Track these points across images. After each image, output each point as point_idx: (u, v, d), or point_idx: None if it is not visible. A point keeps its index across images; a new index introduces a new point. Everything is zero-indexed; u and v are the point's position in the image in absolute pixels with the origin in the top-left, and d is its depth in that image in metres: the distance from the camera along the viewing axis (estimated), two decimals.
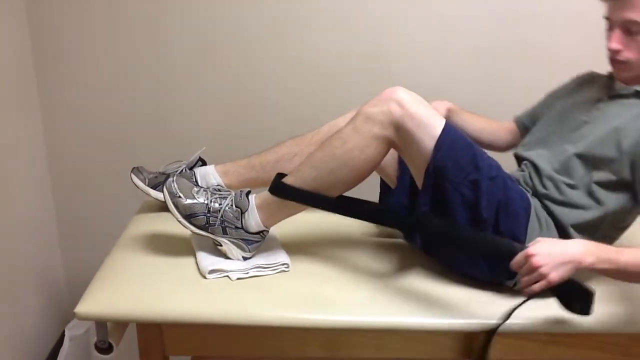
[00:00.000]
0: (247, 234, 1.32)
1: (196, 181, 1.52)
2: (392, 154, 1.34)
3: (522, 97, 1.87)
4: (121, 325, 1.29)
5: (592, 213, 1.30)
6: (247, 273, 1.30)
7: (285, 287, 1.29)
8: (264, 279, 1.32)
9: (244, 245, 1.33)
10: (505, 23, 1.83)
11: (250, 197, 1.34)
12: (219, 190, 1.35)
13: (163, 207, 1.58)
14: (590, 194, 1.30)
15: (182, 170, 1.55)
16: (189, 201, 1.30)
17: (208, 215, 1.30)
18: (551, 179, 1.34)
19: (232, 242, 1.32)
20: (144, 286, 1.27)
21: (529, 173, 1.40)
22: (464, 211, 1.26)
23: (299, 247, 1.43)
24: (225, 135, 1.93)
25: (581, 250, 1.13)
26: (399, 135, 1.25)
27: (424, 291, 1.31)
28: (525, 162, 1.43)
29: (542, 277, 1.11)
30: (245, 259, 1.34)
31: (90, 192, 1.99)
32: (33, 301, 1.87)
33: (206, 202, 1.31)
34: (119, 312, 1.21)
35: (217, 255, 1.34)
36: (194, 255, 1.36)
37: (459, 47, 1.85)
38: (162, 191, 1.33)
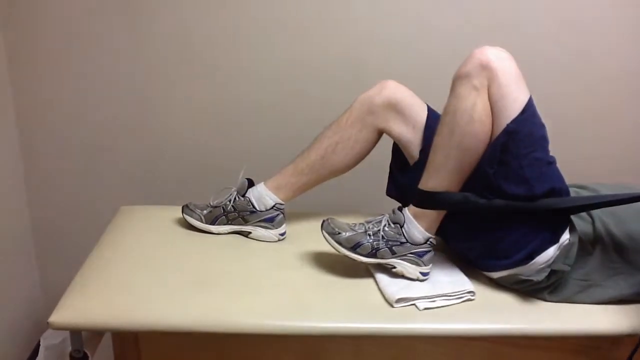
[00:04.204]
0: (415, 246, 1.32)
1: (253, 207, 1.49)
2: (420, 130, 1.42)
3: None
4: (97, 334, 1.27)
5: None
6: (434, 301, 1.27)
7: (263, 294, 1.28)
8: (244, 287, 1.30)
9: (416, 260, 1.32)
10: (485, 34, 1.83)
11: (403, 210, 1.34)
12: (370, 219, 1.36)
13: (139, 216, 1.57)
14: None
15: (235, 199, 1.50)
16: (349, 233, 1.32)
17: (371, 240, 1.31)
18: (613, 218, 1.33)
19: (405, 260, 1.31)
20: (120, 295, 1.25)
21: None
22: (516, 183, 1.25)
23: (285, 253, 1.42)
24: (207, 140, 1.92)
25: None
26: (492, 88, 1.24)
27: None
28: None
29: None
30: (423, 274, 1.32)
31: (66, 199, 1.96)
32: (8, 310, 1.84)
33: (364, 230, 1.32)
34: (93, 322, 1.19)
35: (399, 278, 1.33)
36: (374, 279, 1.34)
37: (438, 56, 1.85)
38: (322, 233, 1.33)
